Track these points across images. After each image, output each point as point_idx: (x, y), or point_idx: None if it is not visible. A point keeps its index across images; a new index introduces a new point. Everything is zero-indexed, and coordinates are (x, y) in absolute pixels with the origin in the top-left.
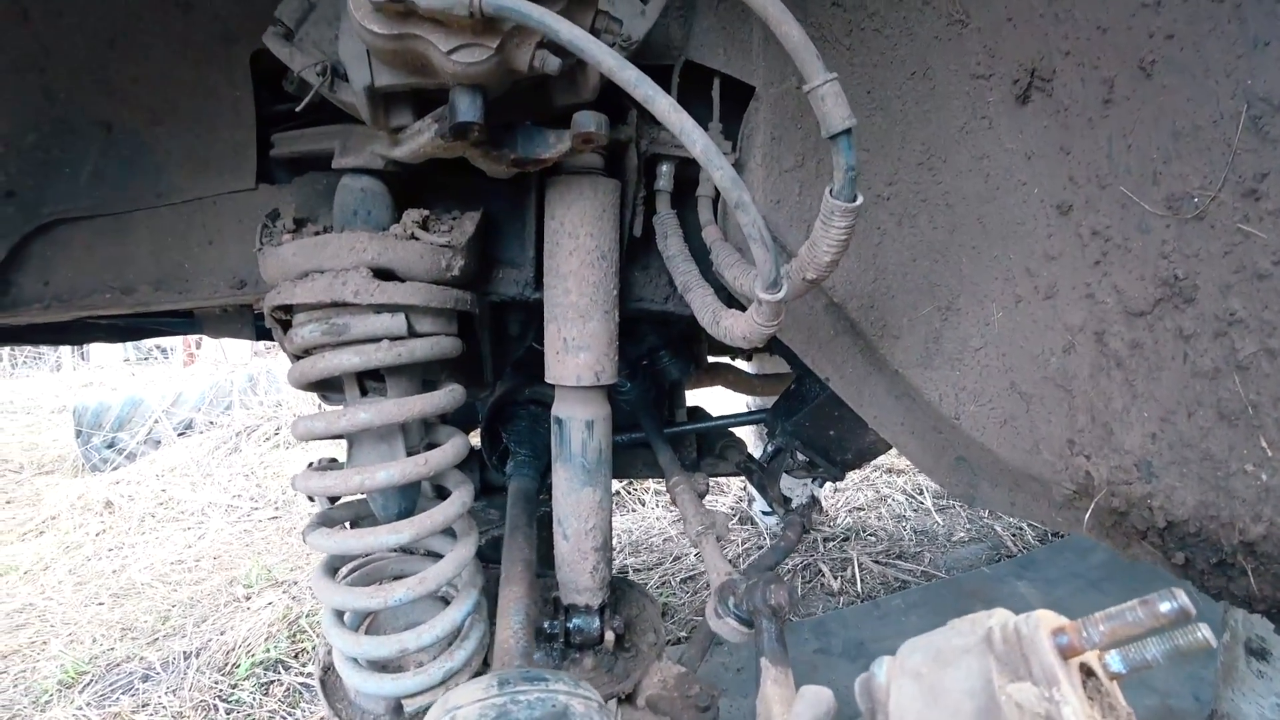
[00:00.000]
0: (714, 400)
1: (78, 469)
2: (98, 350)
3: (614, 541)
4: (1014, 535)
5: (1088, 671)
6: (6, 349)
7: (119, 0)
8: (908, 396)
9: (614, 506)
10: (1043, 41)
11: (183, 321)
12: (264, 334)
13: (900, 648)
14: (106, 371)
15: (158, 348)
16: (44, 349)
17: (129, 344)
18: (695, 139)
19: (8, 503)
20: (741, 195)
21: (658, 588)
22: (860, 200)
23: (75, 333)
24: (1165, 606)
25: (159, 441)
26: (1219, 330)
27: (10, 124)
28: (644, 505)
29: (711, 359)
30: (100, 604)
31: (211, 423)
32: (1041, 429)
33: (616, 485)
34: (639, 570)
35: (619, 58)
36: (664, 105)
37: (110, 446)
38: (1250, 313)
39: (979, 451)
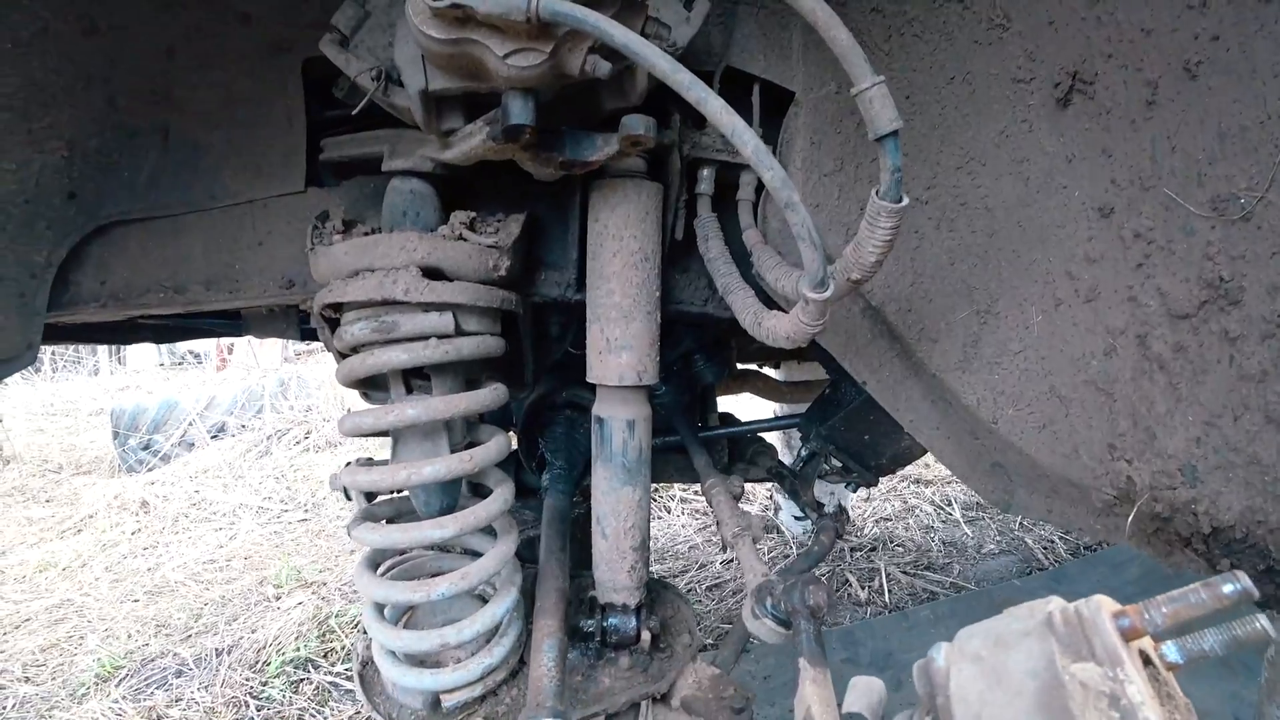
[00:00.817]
0: (739, 408)
1: (114, 470)
2: (134, 354)
3: None
4: (1045, 548)
5: (1145, 660)
6: (48, 352)
7: (181, 13)
8: (944, 400)
9: None
10: (1084, 45)
11: (228, 322)
12: (308, 334)
13: (957, 634)
14: (142, 375)
15: (191, 352)
16: (83, 352)
17: (163, 348)
18: (747, 140)
19: (47, 501)
20: (791, 196)
21: (684, 591)
22: (906, 201)
23: (125, 332)
24: (1228, 588)
25: (192, 444)
26: (1267, 332)
27: (76, 130)
28: (669, 513)
29: (740, 365)
30: (135, 600)
31: (243, 426)
32: (1081, 433)
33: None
34: (665, 577)
35: (673, 61)
36: (716, 107)
37: (146, 448)
38: None
39: (1016, 456)
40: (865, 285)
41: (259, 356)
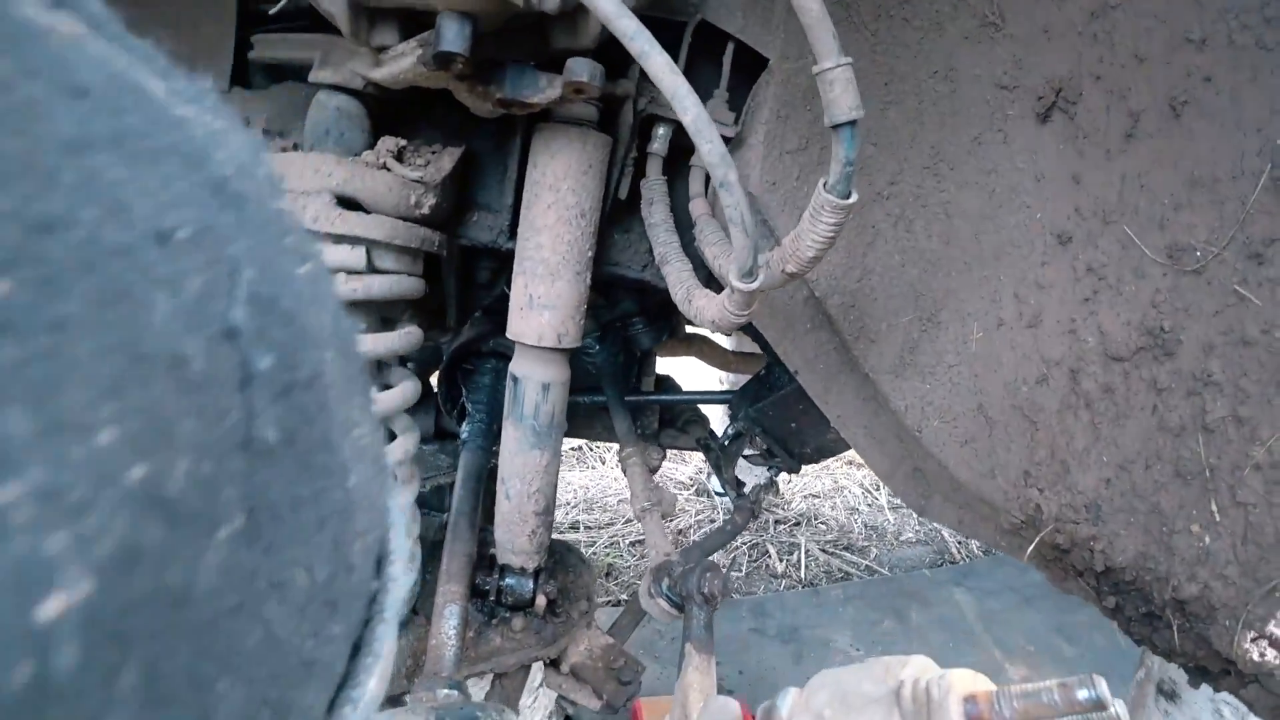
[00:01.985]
0: (686, 371)
1: None
2: None
3: (569, 496)
4: (959, 543)
5: None
6: None
7: None
8: (874, 401)
9: (575, 462)
10: (1075, 61)
11: None
12: None
13: (811, 680)
14: None
15: None
16: None
17: None
18: (688, 106)
19: None
20: (728, 174)
21: (606, 548)
22: (855, 198)
23: None
24: (1083, 694)
25: None
26: (1193, 389)
27: None
28: (603, 464)
29: (690, 329)
30: None
31: None
32: (1001, 455)
33: (579, 442)
34: (590, 528)
35: (618, 4)
36: (659, 63)
37: None
38: (1228, 377)
39: (936, 467)
40: (811, 274)
41: None
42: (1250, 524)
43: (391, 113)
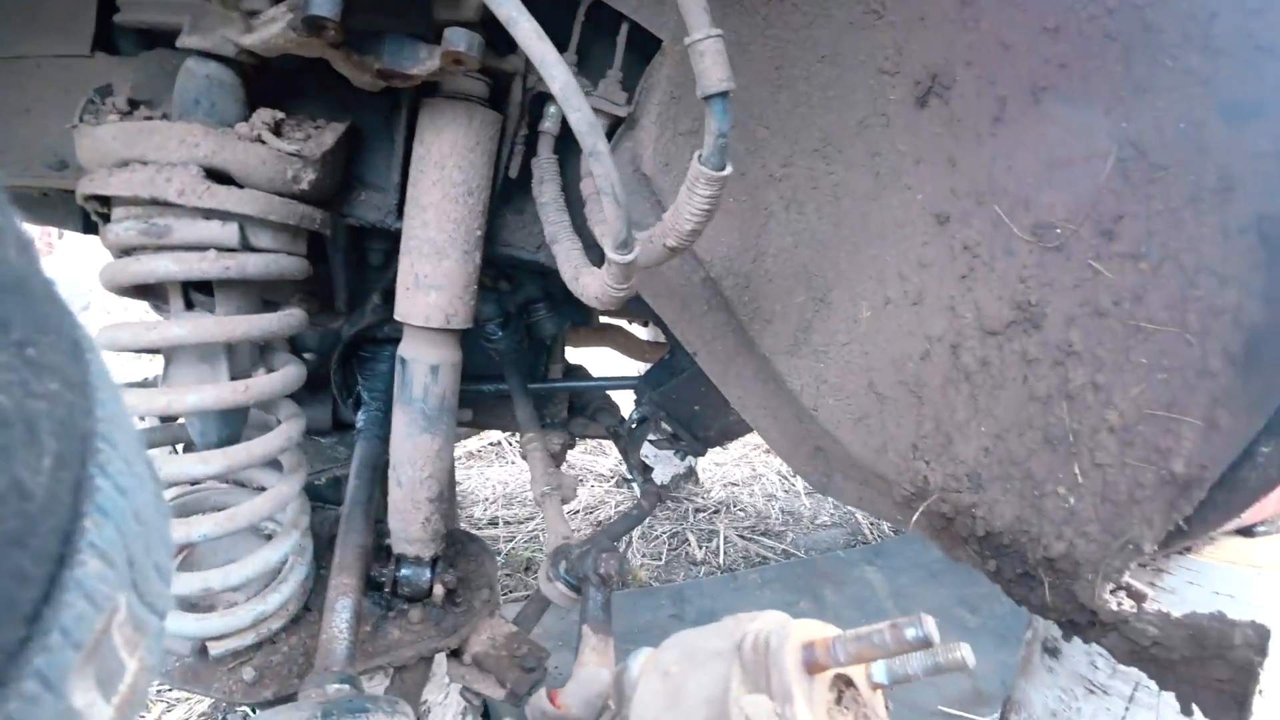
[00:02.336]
0: (603, 361)
1: None
2: None
3: (488, 492)
4: (872, 524)
5: (847, 682)
6: None
7: None
8: (773, 382)
9: (495, 458)
10: (949, 48)
11: None
12: (93, 227)
13: (666, 640)
14: None
15: None
16: None
17: None
18: (555, 74)
19: None
20: (597, 143)
21: (526, 542)
22: (729, 170)
23: None
24: (910, 633)
25: None
26: (1058, 359)
27: None
28: (523, 459)
29: (605, 319)
30: None
31: None
32: (891, 430)
33: (498, 435)
34: (510, 524)
35: None
36: (527, 30)
37: None
38: (1086, 346)
39: (833, 444)
40: (705, 256)
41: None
42: (1107, 483)
43: (270, 84)
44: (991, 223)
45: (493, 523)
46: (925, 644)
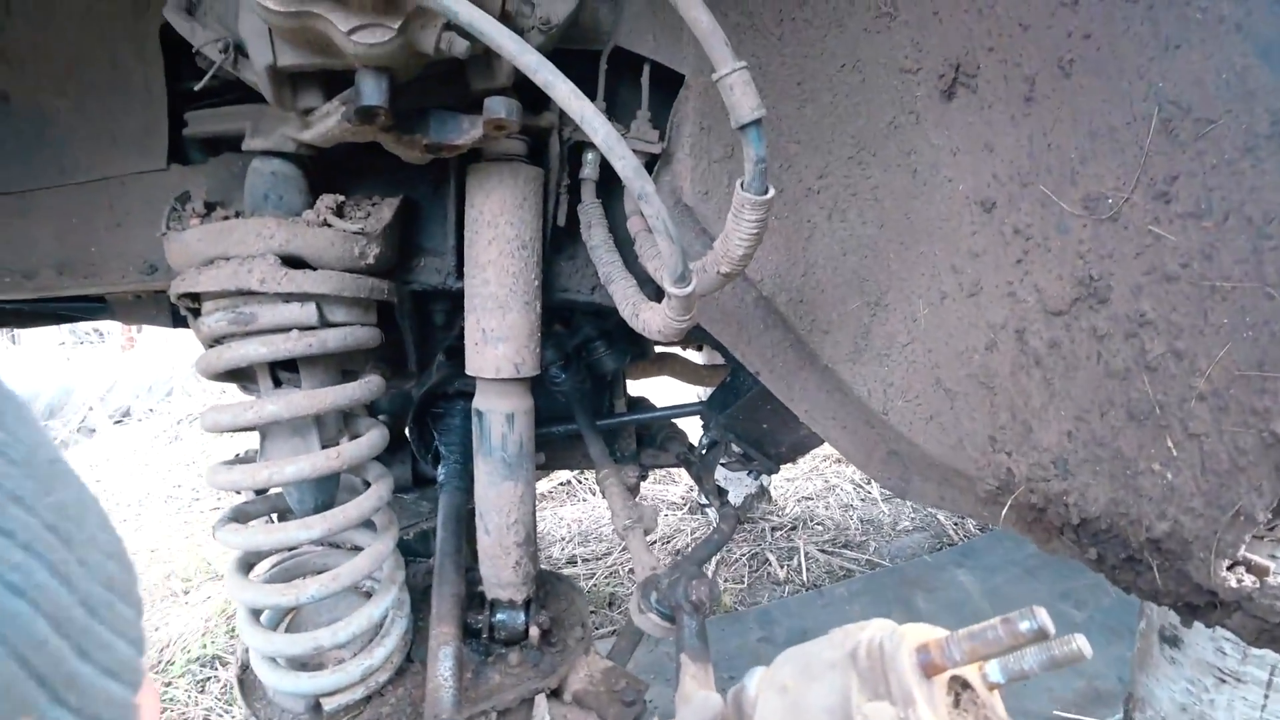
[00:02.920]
0: (664, 390)
1: None
2: (28, 333)
3: (563, 531)
4: (956, 524)
5: (963, 684)
6: None
7: None
8: (839, 391)
9: (566, 497)
10: (967, 37)
11: (96, 306)
12: (181, 322)
13: (777, 658)
14: (40, 356)
15: (95, 329)
16: None
17: (64, 326)
18: (596, 127)
19: None
20: (645, 186)
21: (606, 578)
22: (772, 193)
23: None
24: (1024, 626)
25: (94, 430)
26: (1130, 331)
27: None
28: (595, 495)
29: (660, 349)
30: None
31: (151, 410)
32: (965, 425)
33: (567, 474)
34: (588, 560)
35: (519, 41)
36: (564, 91)
37: None
38: (1159, 314)
39: (908, 446)
40: (756, 275)
41: (170, 335)
42: (1205, 453)
43: (328, 171)
44: (1039, 203)
45: (571, 561)
46: (1040, 636)
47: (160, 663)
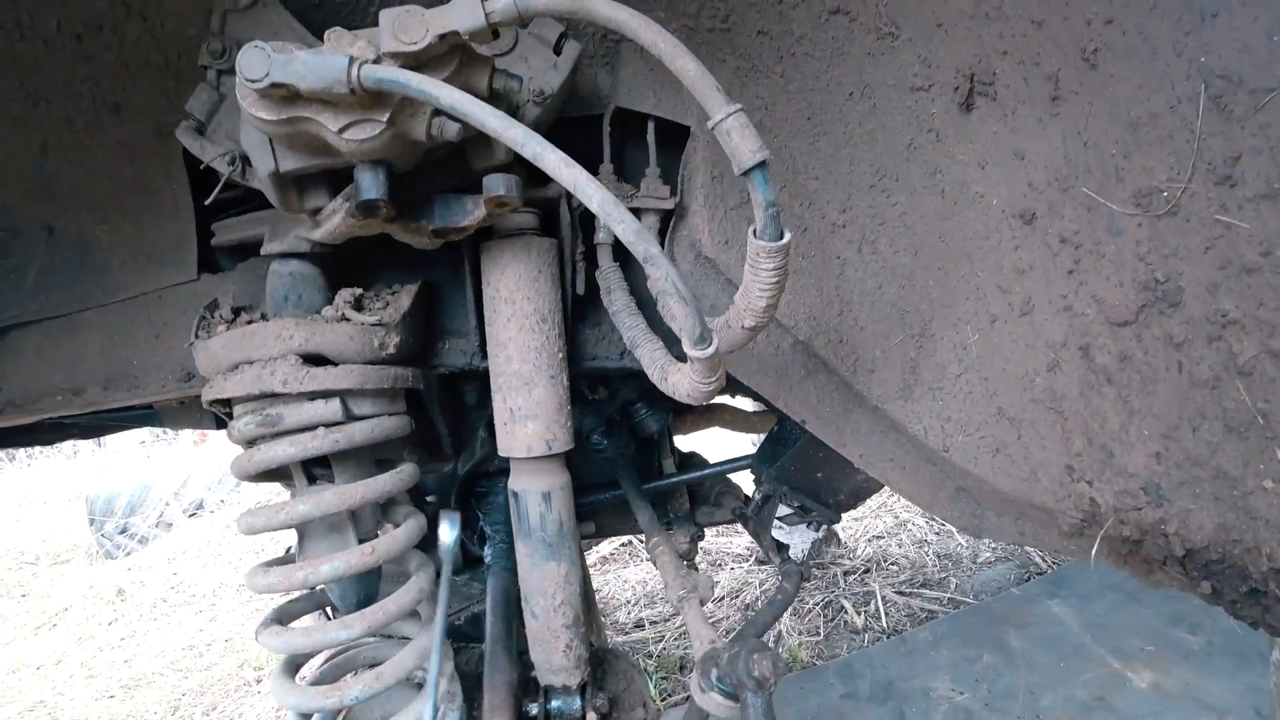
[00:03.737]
0: (718, 441)
1: (92, 557)
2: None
3: (627, 594)
4: (1042, 552)
5: None
6: None
7: (49, 108)
8: (893, 431)
9: (628, 558)
10: (977, 44)
11: (143, 414)
12: (223, 424)
13: None
14: (121, 456)
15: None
16: None
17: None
18: (591, 193)
19: (23, 596)
20: (648, 249)
21: (676, 639)
22: (788, 237)
23: (47, 432)
24: None
25: (170, 524)
26: (1212, 334)
27: None
28: (644, 560)
29: None
30: (111, 697)
31: (222, 501)
32: (1036, 455)
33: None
34: (655, 622)
35: (503, 117)
36: (554, 161)
37: (123, 532)
38: (1244, 311)
39: (975, 482)
40: (790, 320)
41: None
42: None
43: (347, 264)
44: (1084, 206)
45: (638, 625)
46: None
47: None
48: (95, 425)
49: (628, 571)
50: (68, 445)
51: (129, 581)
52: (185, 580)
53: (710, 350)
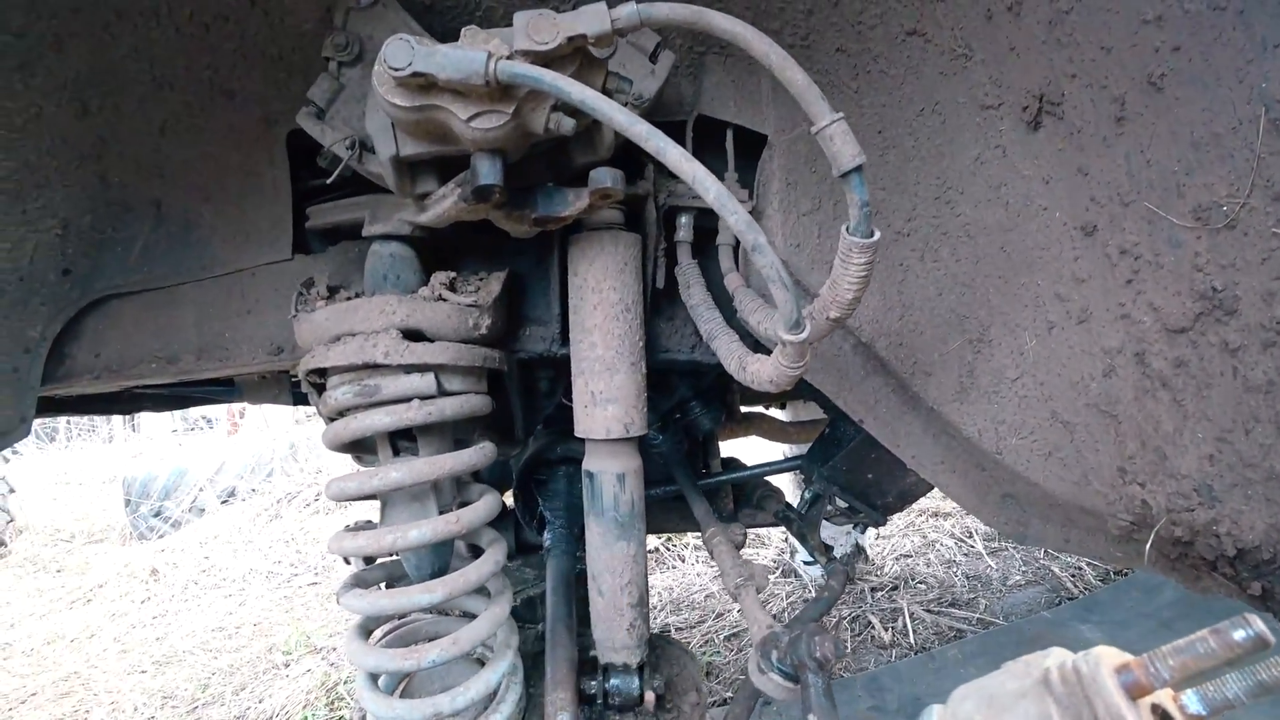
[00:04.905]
0: (749, 450)
1: (126, 537)
2: (147, 421)
3: (654, 599)
4: (1073, 576)
5: (1162, 715)
6: (61, 422)
7: (170, 92)
8: (946, 434)
9: (655, 564)
10: (1048, 67)
11: (224, 389)
12: (301, 399)
13: (952, 694)
14: (155, 442)
15: (203, 417)
16: (97, 420)
17: (177, 414)
18: (709, 186)
19: (58, 571)
20: (757, 238)
21: (701, 646)
22: (878, 235)
23: (124, 402)
24: (1239, 634)
25: (203, 509)
26: (1267, 340)
27: (70, 208)
28: (684, 561)
29: (744, 408)
30: (143, 672)
31: (253, 490)
32: (1089, 458)
33: (655, 541)
34: (681, 629)
35: (630, 114)
36: (676, 156)
37: (157, 515)
38: None
39: (1026, 486)
40: (853, 322)
41: (269, 419)
42: None
43: (437, 251)
44: (1145, 220)
45: (664, 629)
46: (1258, 645)
47: None
48: (175, 397)
49: (655, 578)
50: (104, 429)
51: (162, 563)
52: (216, 564)
53: (804, 334)
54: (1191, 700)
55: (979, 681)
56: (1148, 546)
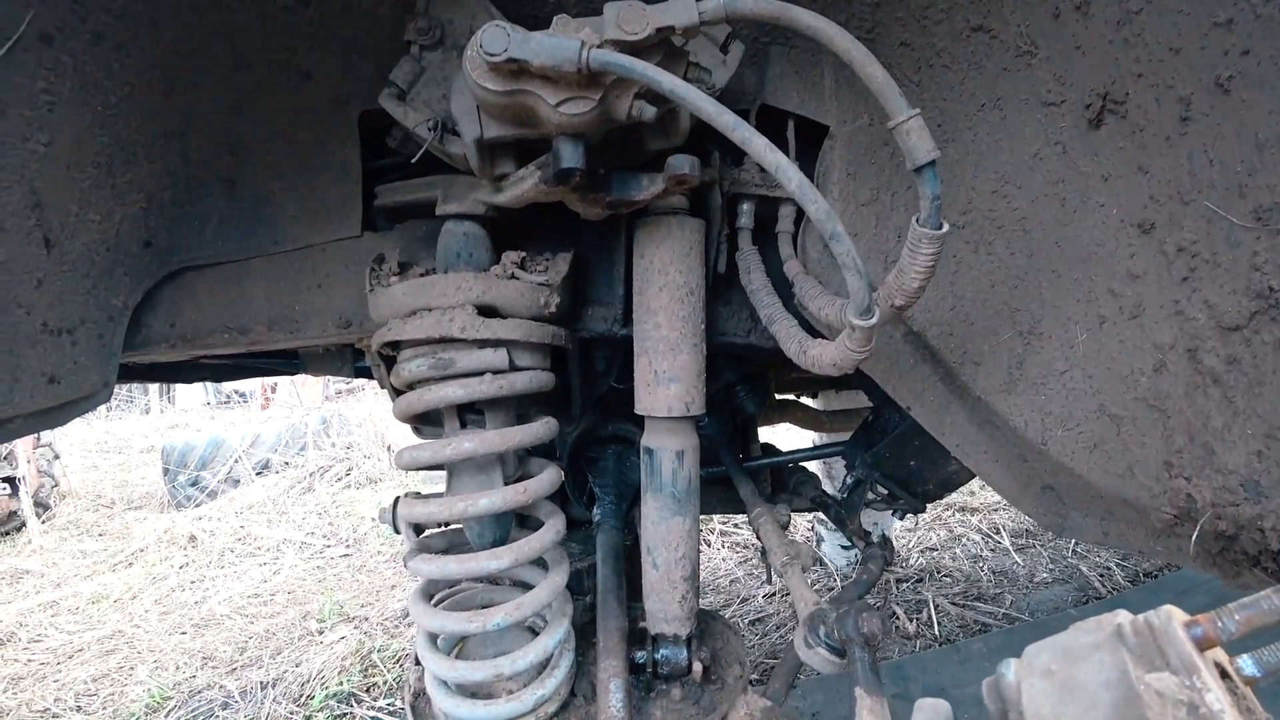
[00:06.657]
0: (778, 440)
1: (164, 505)
2: (183, 394)
3: None
4: (1102, 575)
5: (1221, 671)
6: None
7: (249, 72)
8: (991, 424)
9: None
10: (1113, 66)
11: (286, 361)
12: (360, 372)
13: (1025, 650)
14: (190, 414)
15: (236, 392)
16: (135, 392)
17: (210, 387)
18: (791, 176)
19: (100, 535)
20: (836, 227)
21: None
22: (946, 228)
23: (188, 371)
24: None
25: (238, 480)
26: None
27: (154, 183)
28: (709, 546)
29: (779, 396)
30: (183, 633)
31: (287, 463)
32: (1135, 451)
33: None
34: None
35: (718, 104)
36: (760, 146)
37: (194, 484)
38: None
39: (1068, 478)
40: (906, 311)
41: (302, 395)
42: None
43: (506, 231)
44: (1204, 219)
45: None
46: None
47: (301, 697)
48: (237, 367)
49: None
50: (141, 401)
51: (199, 530)
52: (251, 534)
53: (874, 320)
54: (1247, 664)
55: (1052, 639)
56: (1193, 539)
